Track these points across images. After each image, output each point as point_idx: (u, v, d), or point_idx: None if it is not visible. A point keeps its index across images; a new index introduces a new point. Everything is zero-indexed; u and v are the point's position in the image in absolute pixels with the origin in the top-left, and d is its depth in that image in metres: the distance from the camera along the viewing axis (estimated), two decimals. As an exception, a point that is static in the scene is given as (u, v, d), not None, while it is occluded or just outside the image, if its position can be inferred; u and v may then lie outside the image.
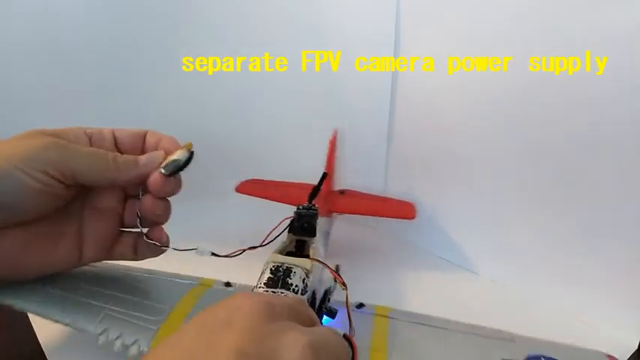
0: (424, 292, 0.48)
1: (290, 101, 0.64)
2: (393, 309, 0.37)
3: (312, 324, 0.18)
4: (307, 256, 0.32)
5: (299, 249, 0.35)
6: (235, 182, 0.57)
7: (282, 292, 0.27)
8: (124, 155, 0.30)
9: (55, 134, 0.29)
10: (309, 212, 0.35)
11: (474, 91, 0.47)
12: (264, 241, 0.34)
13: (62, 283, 0.32)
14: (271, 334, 0.15)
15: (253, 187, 0.55)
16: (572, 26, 0.39)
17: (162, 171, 0.30)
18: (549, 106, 0.42)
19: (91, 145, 0.30)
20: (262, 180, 0.58)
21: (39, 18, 0.56)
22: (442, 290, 0.49)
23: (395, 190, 0.59)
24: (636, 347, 0.40)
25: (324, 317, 0.31)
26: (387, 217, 0.54)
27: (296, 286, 0.27)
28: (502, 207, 0.49)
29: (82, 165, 0.28)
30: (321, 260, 0.32)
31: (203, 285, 0.37)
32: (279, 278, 0.27)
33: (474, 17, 0.45)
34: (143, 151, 0.32)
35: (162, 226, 0.33)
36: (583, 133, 0.40)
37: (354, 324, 0.29)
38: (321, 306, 0.32)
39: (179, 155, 0.31)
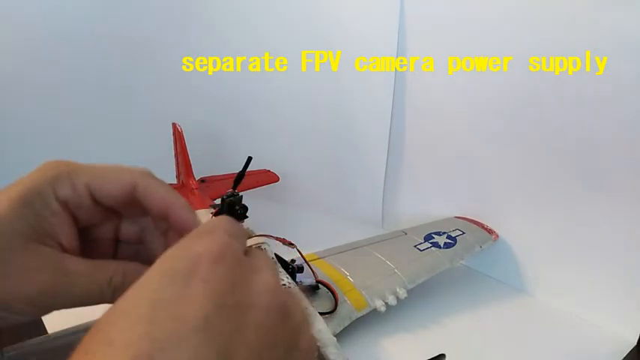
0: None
1: (292, 101, 0.64)
2: (316, 252, 0.44)
3: (244, 239, 0.19)
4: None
5: None
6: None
7: None
8: (126, 277, 0.24)
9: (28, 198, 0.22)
10: (237, 198, 0.37)
11: (476, 91, 0.48)
12: None
13: None
14: (239, 281, 0.15)
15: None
16: (572, 26, 0.39)
17: None
18: (550, 105, 0.42)
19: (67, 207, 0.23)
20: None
21: (44, 19, 0.57)
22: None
23: (394, 189, 0.59)
24: (635, 343, 0.40)
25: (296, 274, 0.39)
26: (254, 187, 0.56)
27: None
28: (503, 202, 0.50)
29: (69, 296, 0.22)
30: (265, 234, 0.36)
31: None
32: None
33: (476, 18, 0.45)
34: (135, 206, 0.25)
35: None
36: (583, 133, 0.41)
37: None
38: (290, 266, 0.38)
39: None
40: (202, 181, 0.56)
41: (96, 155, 0.66)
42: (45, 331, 0.36)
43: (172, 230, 0.23)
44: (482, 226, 0.50)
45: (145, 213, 0.24)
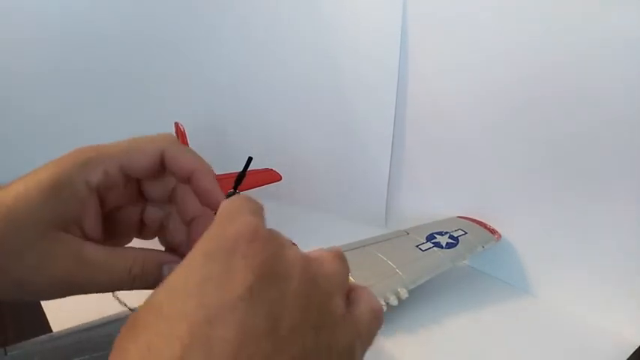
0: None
1: (294, 100, 0.64)
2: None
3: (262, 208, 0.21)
4: None
5: None
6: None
7: None
8: (145, 267, 0.25)
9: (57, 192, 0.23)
10: None
11: (478, 91, 0.47)
12: None
13: None
14: (275, 254, 0.17)
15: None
16: (573, 25, 0.39)
17: None
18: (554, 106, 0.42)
19: (98, 193, 0.24)
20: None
21: (49, 16, 0.57)
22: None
23: (397, 189, 0.59)
24: (638, 344, 0.40)
25: None
26: (257, 186, 0.56)
27: None
28: (503, 199, 0.50)
29: (89, 283, 0.24)
30: None
31: None
32: None
33: (477, 18, 0.45)
34: (164, 174, 0.26)
35: None
36: (587, 132, 0.40)
37: None
38: None
39: None
40: None
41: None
42: (49, 329, 0.37)
43: (197, 195, 0.25)
44: (484, 226, 0.50)
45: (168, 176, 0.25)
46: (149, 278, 0.24)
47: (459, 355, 0.38)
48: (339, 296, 0.18)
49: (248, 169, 0.39)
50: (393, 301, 0.39)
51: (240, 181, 0.39)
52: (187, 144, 0.55)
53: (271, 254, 0.17)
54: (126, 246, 0.26)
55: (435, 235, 0.48)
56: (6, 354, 0.29)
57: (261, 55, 0.63)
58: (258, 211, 0.20)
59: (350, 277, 0.40)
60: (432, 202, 0.56)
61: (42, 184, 0.22)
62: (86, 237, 0.24)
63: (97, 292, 0.24)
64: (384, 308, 0.39)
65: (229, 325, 0.15)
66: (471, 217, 0.52)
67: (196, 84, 0.67)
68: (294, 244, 0.20)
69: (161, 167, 0.24)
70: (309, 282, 0.17)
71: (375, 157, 0.59)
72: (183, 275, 0.16)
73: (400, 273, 0.42)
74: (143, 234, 0.27)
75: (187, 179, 0.25)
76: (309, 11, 0.57)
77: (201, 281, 0.16)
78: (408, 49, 0.52)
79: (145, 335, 0.15)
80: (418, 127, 0.54)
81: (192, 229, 0.26)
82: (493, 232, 0.49)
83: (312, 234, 0.43)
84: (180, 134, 0.55)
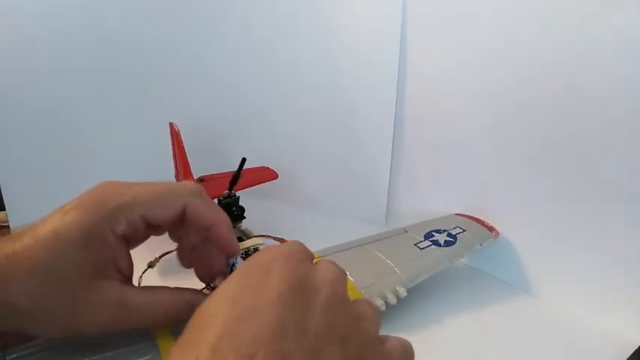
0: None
1: (293, 97, 0.64)
2: (316, 251, 0.42)
3: (312, 256, 0.23)
4: (241, 238, 0.34)
5: None
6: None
7: None
8: (178, 308, 0.27)
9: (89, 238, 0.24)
10: (234, 199, 0.37)
11: (478, 90, 0.47)
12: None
13: None
14: (306, 272, 0.20)
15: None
16: (573, 24, 0.39)
17: None
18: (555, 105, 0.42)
19: (124, 238, 0.26)
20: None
21: (46, 17, 0.57)
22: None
23: (398, 187, 0.59)
24: (639, 344, 0.40)
25: None
26: (253, 185, 0.54)
27: None
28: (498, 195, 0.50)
29: (129, 324, 0.26)
30: (264, 234, 0.34)
31: None
32: None
33: (478, 17, 0.45)
34: (184, 228, 0.28)
35: None
36: (588, 131, 0.40)
37: None
38: None
39: None
40: (201, 180, 0.56)
41: (98, 154, 0.67)
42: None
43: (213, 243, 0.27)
44: (482, 223, 0.50)
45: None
46: (181, 318, 0.26)
47: (459, 355, 0.38)
48: (371, 323, 0.20)
49: (243, 169, 0.40)
50: (392, 300, 0.39)
51: (235, 181, 0.39)
52: (182, 143, 0.54)
53: (303, 271, 0.19)
54: (158, 287, 0.28)
55: (434, 234, 0.48)
56: (4, 358, 0.29)
57: (261, 55, 0.63)
58: (305, 253, 0.22)
59: (349, 277, 0.40)
60: (433, 202, 0.56)
61: (73, 241, 0.24)
62: (122, 274, 0.26)
63: (135, 328, 0.26)
64: (384, 307, 0.39)
65: (259, 323, 0.16)
66: (468, 214, 0.52)
67: (196, 84, 0.67)
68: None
69: (182, 217, 0.26)
70: (337, 300, 0.19)
71: (375, 157, 0.59)
72: (225, 288, 0.19)
73: (399, 272, 0.41)
74: (157, 234, 0.29)
75: (206, 229, 0.27)
76: (309, 11, 0.57)
77: (238, 290, 0.18)
78: (408, 49, 0.52)
79: (185, 335, 0.17)
80: (418, 127, 0.54)
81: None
82: (491, 229, 0.49)
83: (310, 234, 0.43)
84: (175, 134, 0.55)
